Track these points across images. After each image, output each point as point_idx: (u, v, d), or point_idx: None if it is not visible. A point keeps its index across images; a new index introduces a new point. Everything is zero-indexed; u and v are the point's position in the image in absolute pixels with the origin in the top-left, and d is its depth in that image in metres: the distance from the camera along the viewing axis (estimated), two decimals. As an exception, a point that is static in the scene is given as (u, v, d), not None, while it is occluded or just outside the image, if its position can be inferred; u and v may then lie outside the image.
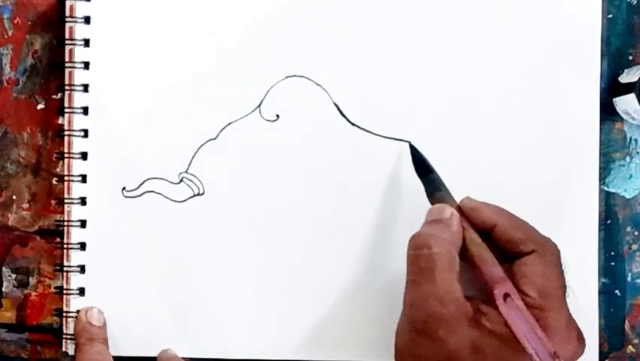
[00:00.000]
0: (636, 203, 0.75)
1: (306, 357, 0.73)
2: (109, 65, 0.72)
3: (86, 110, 0.72)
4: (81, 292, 0.72)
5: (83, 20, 0.72)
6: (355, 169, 0.73)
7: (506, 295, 0.64)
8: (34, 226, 0.73)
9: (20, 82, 0.73)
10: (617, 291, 0.75)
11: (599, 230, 0.74)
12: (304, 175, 0.73)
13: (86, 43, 0.72)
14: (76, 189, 0.72)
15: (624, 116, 0.74)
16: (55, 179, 0.73)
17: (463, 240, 0.67)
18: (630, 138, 0.75)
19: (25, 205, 0.73)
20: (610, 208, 0.75)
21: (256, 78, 0.73)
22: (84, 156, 0.72)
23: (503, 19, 0.74)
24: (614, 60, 0.75)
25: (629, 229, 0.75)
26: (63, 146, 0.72)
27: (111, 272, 0.72)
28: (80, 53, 0.72)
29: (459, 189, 0.69)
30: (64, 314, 0.72)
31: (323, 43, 0.73)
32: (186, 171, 0.73)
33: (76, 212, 0.72)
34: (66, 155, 0.72)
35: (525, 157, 0.74)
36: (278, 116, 0.73)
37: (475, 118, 0.73)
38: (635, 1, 0.75)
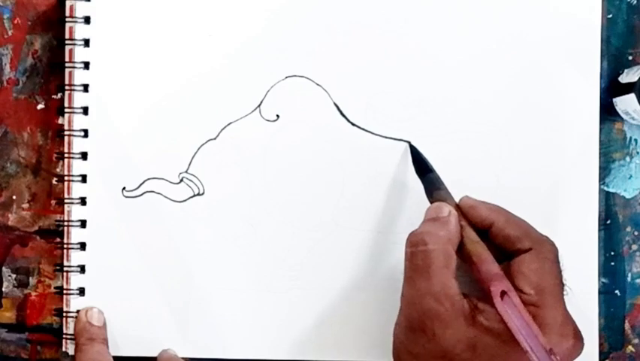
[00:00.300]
0: (636, 203, 0.75)
1: (306, 357, 0.73)
2: (109, 65, 0.72)
3: (86, 110, 0.72)
4: (81, 292, 0.72)
5: (82, 20, 0.72)
6: (355, 169, 0.73)
7: (503, 293, 0.64)
8: (34, 226, 0.74)
9: (20, 82, 0.73)
10: (617, 291, 0.75)
11: (599, 230, 0.74)
12: (304, 175, 0.73)
13: (86, 43, 0.72)
14: (76, 189, 0.72)
15: (624, 116, 0.74)
16: (55, 179, 0.73)
17: (461, 238, 0.67)
18: (630, 138, 0.75)
19: (25, 205, 0.73)
20: (610, 208, 0.75)
21: (256, 78, 0.73)
22: (84, 156, 0.72)
23: (503, 19, 0.74)
24: (614, 60, 0.75)
25: (629, 229, 0.75)
26: (63, 146, 0.72)
27: (111, 272, 0.72)
28: (80, 53, 0.72)
29: (458, 188, 0.70)
30: (64, 314, 0.72)
31: (323, 43, 0.73)
32: (186, 171, 0.73)
33: (76, 212, 0.72)
34: (66, 155, 0.72)
35: (525, 157, 0.74)
36: (278, 116, 0.73)
37: (474, 118, 0.74)
38: (635, 1, 0.75)
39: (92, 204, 0.72)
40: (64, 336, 0.73)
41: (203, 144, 0.73)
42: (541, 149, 0.74)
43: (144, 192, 0.73)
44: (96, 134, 0.72)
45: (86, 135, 0.72)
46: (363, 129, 0.73)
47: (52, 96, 0.73)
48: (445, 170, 0.71)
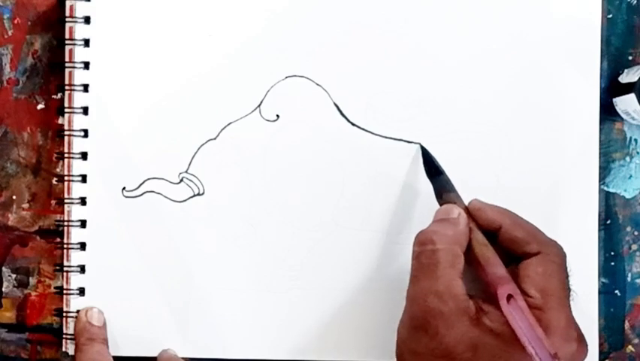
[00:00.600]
0: (636, 203, 0.75)
1: (306, 357, 0.73)
2: (109, 65, 0.72)
3: (86, 110, 0.72)
4: (81, 292, 0.72)
5: (82, 20, 0.72)
6: (355, 169, 0.73)
7: (509, 296, 0.64)
8: (34, 226, 0.73)
9: (20, 82, 0.73)
10: (617, 291, 0.75)
11: (599, 230, 0.74)
12: (304, 175, 0.73)
13: (86, 43, 0.72)
14: (76, 189, 0.72)
15: (624, 116, 0.74)
16: (55, 179, 0.73)
17: (469, 240, 0.67)
18: (630, 138, 0.75)
19: (25, 205, 0.73)
20: (610, 208, 0.75)
21: (256, 78, 0.73)
22: (84, 156, 0.72)
23: (503, 19, 0.74)
24: (614, 60, 0.75)
25: (629, 228, 0.75)
26: (63, 146, 0.72)
27: (111, 272, 0.72)
28: (80, 53, 0.72)
29: (458, 188, 0.70)
30: (64, 314, 0.72)
31: (323, 43, 0.73)
32: (186, 171, 0.73)
33: (76, 212, 0.72)
34: (66, 155, 0.72)
35: (525, 157, 0.74)
36: (278, 116, 0.73)
37: (474, 118, 0.74)
38: (635, 1, 0.75)
39: (92, 204, 0.72)
40: (64, 336, 0.73)
41: (203, 144, 0.73)
42: (541, 149, 0.74)
43: (144, 192, 0.73)
44: (96, 134, 0.72)
45: (86, 135, 0.72)
46: (363, 129, 0.73)
47: (52, 96, 0.73)
48: (445, 170, 0.71)
